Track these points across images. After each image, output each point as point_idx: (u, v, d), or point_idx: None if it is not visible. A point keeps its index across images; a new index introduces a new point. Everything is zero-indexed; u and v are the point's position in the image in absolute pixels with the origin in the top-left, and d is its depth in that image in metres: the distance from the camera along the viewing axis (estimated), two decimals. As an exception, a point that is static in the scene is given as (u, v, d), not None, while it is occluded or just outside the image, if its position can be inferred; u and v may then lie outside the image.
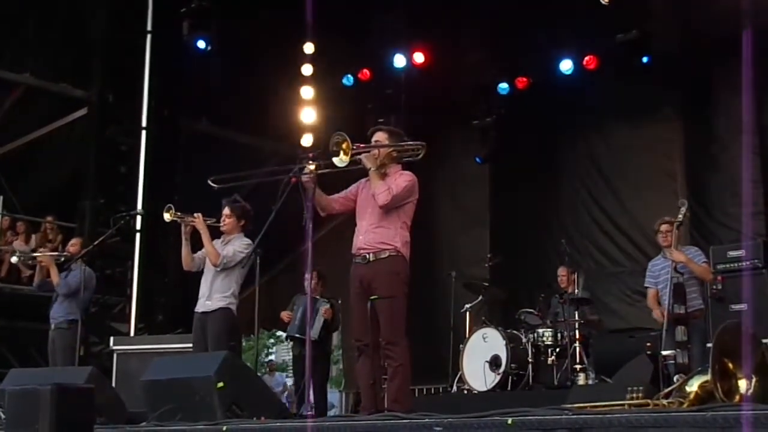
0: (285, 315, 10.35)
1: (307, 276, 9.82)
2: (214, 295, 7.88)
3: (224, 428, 5.22)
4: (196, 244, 8.00)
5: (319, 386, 10.18)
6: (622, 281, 12.16)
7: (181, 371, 6.61)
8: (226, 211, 8.02)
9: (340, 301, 10.16)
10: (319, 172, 6.19)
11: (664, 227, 8.55)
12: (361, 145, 6.24)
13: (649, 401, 4.91)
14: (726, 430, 3.55)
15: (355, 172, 6.39)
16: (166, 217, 7.99)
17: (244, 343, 11.42)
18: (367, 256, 6.26)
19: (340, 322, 10.41)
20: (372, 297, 6.12)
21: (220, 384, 6.01)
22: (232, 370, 6.28)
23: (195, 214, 7.98)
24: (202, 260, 8.00)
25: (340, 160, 6.05)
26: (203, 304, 7.92)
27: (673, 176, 11.85)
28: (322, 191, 6.35)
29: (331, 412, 12.30)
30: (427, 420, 4.45)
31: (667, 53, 11.65)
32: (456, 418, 4.34)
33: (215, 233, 8.07)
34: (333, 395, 14.38)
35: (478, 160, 13.43)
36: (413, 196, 6.40)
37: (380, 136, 6.46)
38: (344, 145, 6.04)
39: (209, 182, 6.77)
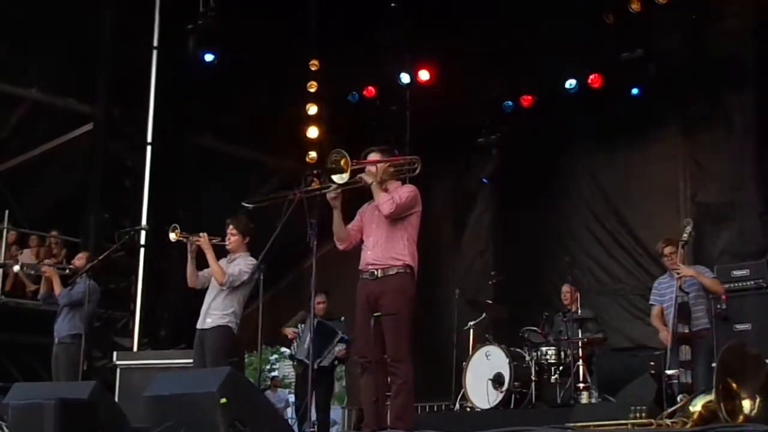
0: (290, 332, 10.32)
1: (319, 299, 9.88)
2: (213, 312, 7.91)
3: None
4: (202, 262, 8.02)
5: (322, 404, 10.17)
6: (624, 298, 12.16)
7: (185, 387, 6.58)
8: (231, 228, 8.05)
9: (343, 319, 10.17)
10: (322, 191, 6.22)
11: (668, 250, 8.53)
12: (359, 162, 6.28)
13: (652, 421, 4.90)
14: (730, 451, 3.54)
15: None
16: (172, 236, 8.03)
17: (246, 359, 11.42)
18: (375, 272, 6.28)
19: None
20: (376, 314, 6.12)
21: (224, 400, 5.99)
22: (236, 386, 6.25)
23: (200, 234, 8.01)
24: (207, 279, 8.03)
25: (340, 177, 6.09)
26: (203, 321, 7.96)
27: (675, 195, 11.84)
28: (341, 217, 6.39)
29: (333, 429, 12.27)
30: (430, 438, 4.44)
31: (671, 72, 11.67)
32: (459, 436, 4.33)
33: (221, 252, 8.09)
34: (335, 411, 14.33)
35: (484, 180, 13.44)
36: (417, 207, 6.44)
37: (374, 156, 6.51)
38: (342, 162, 6.07)
39: (243, 204, 6.79)
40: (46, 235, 13.20)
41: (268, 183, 13.51)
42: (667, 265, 8.60)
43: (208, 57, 12.39)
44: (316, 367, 9.82)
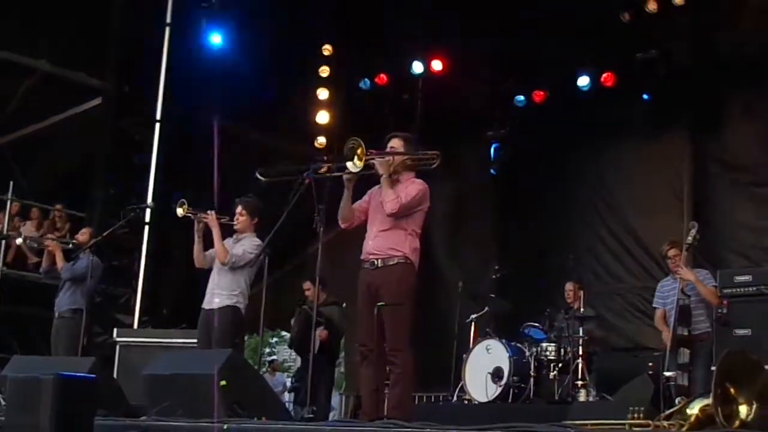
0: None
1: (306, 285, 9.89)
2: (221, 292, 7.90)
3: (225, 426, 5.20)
4: (209, 242, 8.01)
5: (323, 394, 10.21)
6: (624, 298, 12.16)
7: (184, 367, 6.60)
8: (239, 209, 8.03)
9: (345, 305, 10.17)
10: (333, 175, 6.21)
11: (671, 252, 8.53)
12: (375, 152, 6.25)
13: (650, 422, 4.90)
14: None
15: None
16: (179, 212, 8.00)
17: (246, 341, 11.45)
18: (376, 262, 6.27)
19: (345, 329, 10.42)
20: (378, 303, 6.12)
21: (223, 382, 6.00)
22: (236, 369, 6.27)
23: (208, 212, 7.99)
24: (213, 258, 8.01)
25: (354, 165, 6.08)
26: (210, 301, 7.94)
27: (679, 197, 11.83)
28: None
29: (331, 415, 12.28)
30: (428, 430, 4.44)
31: (682, 73, 11.63)
32: (458, 430, 4.32)
33: (228, 231, 8.07)
34: (333, 398, 14.34)
35: (492, 171, 13.40)
36: (424, 205, 6.40)
37: (396, 143, 6.48)
38: (359, 151, 6.06)
39: (256, 175, 6.73)
40: (50, 208, 13.18)
41: (277, 165, 13.47)
42: (671, 267, 8.58)
43: (217, 39, 12.34)
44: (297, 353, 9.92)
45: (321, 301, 10.26)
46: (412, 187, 6.36)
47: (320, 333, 10.03)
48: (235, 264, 7.86)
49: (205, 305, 7.96)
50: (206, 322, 7.89)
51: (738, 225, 11.35)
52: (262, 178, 6.67)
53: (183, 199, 8.04)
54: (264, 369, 19.29)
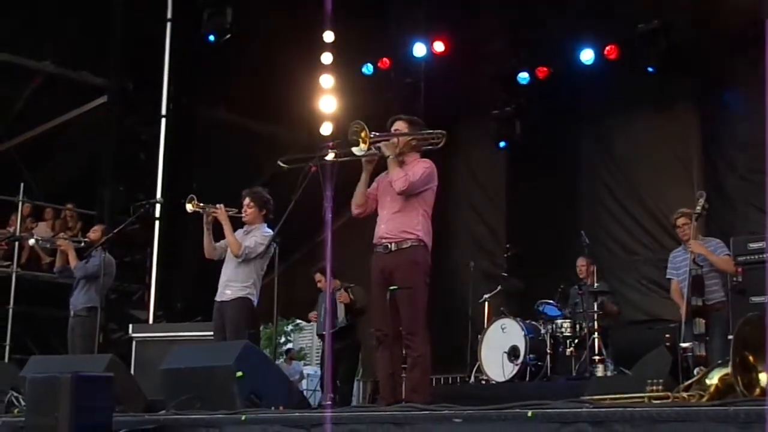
0: (312, 316, 10.53)
1: (317, 277, 9.91)
2: (233, 284, 7.92)
3: (243, 417, 5.22)
4: (219, 234, 8.02)
5: (346, 377, 10.24)
6: (637, 270, 12.12)
7: (201, 360, 6.62)
8: (247, 201, 8.04)
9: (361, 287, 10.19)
10: (340, 160, 6.20)
11: (681, 221, 8.50)
12: (379, 134, 6.24)
13: (669, 394, 4.86)
14: (748, 425, 3.51)
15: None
16: (188, 207, 8.02)
17: (262, 330, 11.47)
18: (389, 245, 6.25)
19: (365, 306, 10.43)
20: (392, 287, 6.11)
21: (240, 373, 6.02)
22: (252, 360, 6.29)
23: (217, 205, 8.00)
24: (224, 250, 8.03)
25: (359, 149, 6.08)
26: (222, 293, 7.96)
27: (688, 167, 11.78)
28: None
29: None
30: (446, 412, 4.43)
31: (686, 43, 11.55)
32: (476, 410, 4.32)
33: (237, 223, 8.08)
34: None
35: (503, 144, 13.35)
36: (432, 183, 6.39)
37: (400, 125, 6.48)
38: (363, 134, 6.05)
39: (278, 163, 6.72)
40: (61, 207, 13.23)
41: (283, 156, 13.47)
42: (679, 235, 8.56)
43: (216, 35, 12.35)
44: (333, 330, 9.91)
45: (338, 287, 10.28)
46: (418, 166, 6.35)
47: (340, 296, 10.02)
48: (248, 256, 7.88)
49: (218, 297, 7.99)
50: (220, 315, 7.92)
51: (744, 192, 11.30)
52: (284, 166, 6.64)
53: (192, 195, 8.05)
54: (281, 359, 19.39)
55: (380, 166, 6.40)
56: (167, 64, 12.75)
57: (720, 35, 11.34)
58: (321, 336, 10.69)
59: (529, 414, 4.10)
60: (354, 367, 10.73)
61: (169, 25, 12.78)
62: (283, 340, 27.61)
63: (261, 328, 10.75)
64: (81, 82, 12.86)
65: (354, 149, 6.07)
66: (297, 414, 5.21)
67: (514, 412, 4.18)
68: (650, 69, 11.78)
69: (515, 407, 4.22)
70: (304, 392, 14.60)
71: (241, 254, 7.86)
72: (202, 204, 8.01)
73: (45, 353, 10.62)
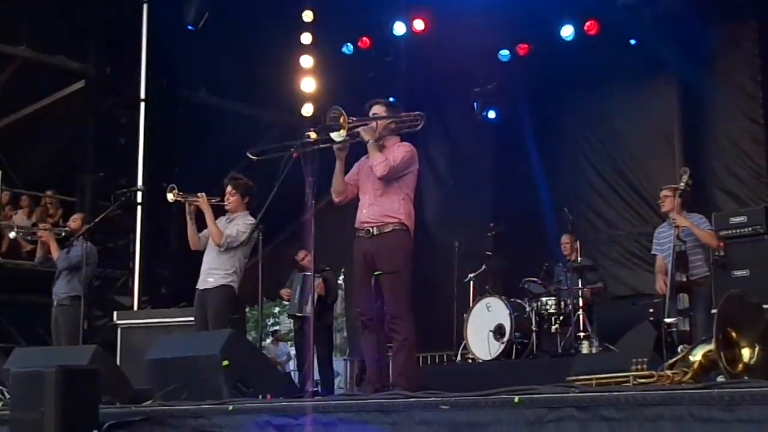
0: (285, 293, 10.48)
1: (300, 255, 9.89)
2: (216, 272, 7.88)
3: (231, 407, 5.21)
4: (202, 222, 7.98)
5: (324, 359, 10.24)
6: (621, 245, 12.19)
7: (186, 350, 6.60)
8: (229, 189, 7.98)
9: (335, 271, 10.18)
10: (321, 146, 6.17)
11: (662, 193, 8.53)
12: (357, 119, 6.22)
13: (653, 372, 4.89)
14: (731, 407, 3.55)
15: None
16: (170, 197, 7.98)
17: (248, 313, 11.47)
18: (371, 229, 6.25)
19: (338, 294, 10.43)
20: (376, 272, 6.10)
21: (226, 362, 6.01)
22: (237, 348, 6.28)
23: (198, 194, 7.96)
24: (209, 238, 7.98)
25: (338, 135, 6.05)
26: (205, 281, 7.92)
27: (670, 141, 11.81)
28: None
29: (336, 380, 12.34)
30: (433, 399, 4.44)
31: (666, 17, 11.52)
32: (462, 397, 4.33)
33: (220, 211, 8.04)
34: (338, 363, 14.42)
35: (488, 118, 13.33)
36: (413, 167, 6.38)
37: (378, 109, 6.47)
38: (341, 120, 6.02)
39: (247, 155, 6.68)
40: (41, 195, 13.12)
41: (264, 138, 13.40)
42: (662, 209, 8.58)
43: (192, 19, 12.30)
44: (301, 314, 9.92)
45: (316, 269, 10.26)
46: (399, 150, 6.33)
47: (317, 285, 10.01)
48: (230, 244, 7.84)
49: (200, 285, 7.94)
50: (201, 303, 7.88)
51: (726, 165, 11.34)
52: (253, 158, 6.61)
53: (173, 184, 8.01)
54: (268, 340, 19.40)
55: (358, 150, 6.38)
56: (145, 47, 12.61)
57: (701, 7, 11.30)
58: (292, 317, 10.69)
59: (516, 400, 4.12)
60: (330, 350, 10.74)
61: (145, 6, 12.64)
62: (271, 321, 27.63)
63: (247, 310, 10.74)
64: (58, 67, 12.71)
65: (333, 134, 6.04)
66: (284, 403, 5.20)
67: (501, 398, 4.19)
68: (632, 41, 11.78)
69: (502, 393, 4.23)
70: (292, 373, 14.60)
71: (222, 243, 7.82)
72: (182, 193, 7.96)
73: (29, 341, 10.60)
